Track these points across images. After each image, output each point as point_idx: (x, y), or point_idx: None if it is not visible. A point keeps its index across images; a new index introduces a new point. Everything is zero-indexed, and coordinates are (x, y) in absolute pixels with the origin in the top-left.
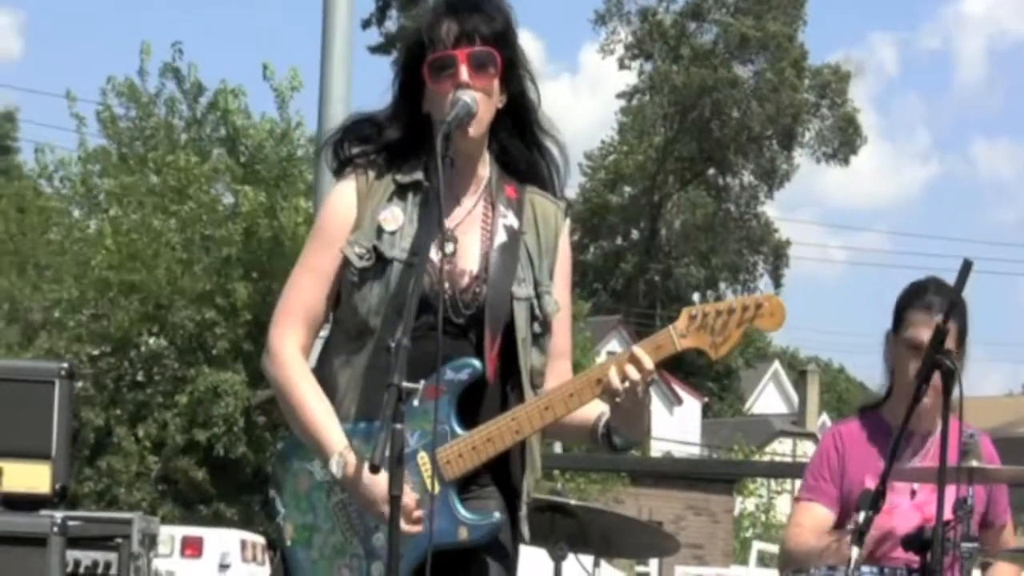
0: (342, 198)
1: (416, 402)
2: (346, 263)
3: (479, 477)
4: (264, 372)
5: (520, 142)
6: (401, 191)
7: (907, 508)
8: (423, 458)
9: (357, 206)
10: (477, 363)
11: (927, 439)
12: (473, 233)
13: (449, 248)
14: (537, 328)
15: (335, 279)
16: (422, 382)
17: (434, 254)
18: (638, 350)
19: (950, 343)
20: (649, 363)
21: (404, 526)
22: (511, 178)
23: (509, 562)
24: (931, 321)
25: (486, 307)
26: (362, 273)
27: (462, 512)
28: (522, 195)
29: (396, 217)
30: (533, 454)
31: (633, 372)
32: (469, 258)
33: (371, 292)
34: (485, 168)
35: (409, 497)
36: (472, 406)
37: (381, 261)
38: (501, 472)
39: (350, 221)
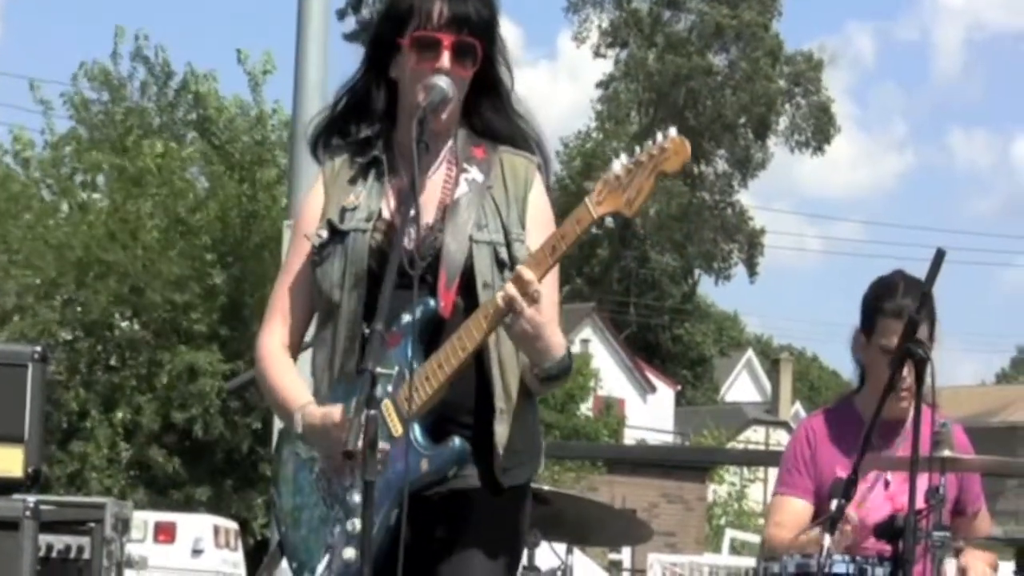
0: (312, 196)
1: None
2: (313, 251)
3: (458, 427)
4: (255, 375)
5: (500, 116)
6: (362, 170)
7: (879, 498)
8: (387, 405)
9: (324, 197)
10: (431, 300)
11: (899, 428)
12: (433, 192)
13: (402, 209)
14: (508, 274)
15: (309, 270)
16: (396, 367)
17: (388, 214)
18: (519, 267)
19: (921, 334)
20: (528, 275)
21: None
22: (485, 140)
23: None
24: (900, 325)
25: (442, 249)
26: (321, 251)
27: (422, 443)
28: (492, 155)
29: (357, 195)
30: (512, 399)
31: (508, 292)
32: (427, 214)
33: (332, 267)
34: (449, 136)
35: (337, 412)
36: (436, 349)
37: (338, 235)
38: (481, 421)
39: (318, 213)
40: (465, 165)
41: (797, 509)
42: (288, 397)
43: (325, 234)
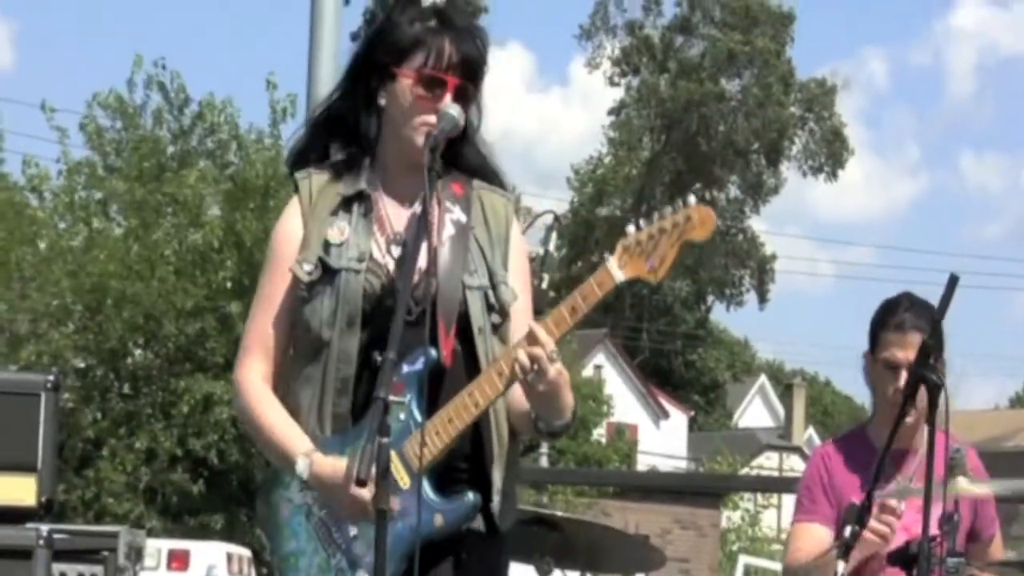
0: (287, 223)
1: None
2: (296, 282)
3: (455, 472)
4: (234, 410)
5: (470, 149)
6: (346, 203)
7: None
8: (393, 456)
9: (303, 226)
10: (432, 351)
11: (909, 456)
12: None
13: (397, 251)
14: (496, 319)
15: (290, 303)
16: (408, 395)
17: (381, 258)
18: (534, 325)
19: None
20: (543, 336)
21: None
22: (459, 175)
23: (491, 556)
24: (904, 340)
25: (437, 296)
26: (310, 287)
27: (434, 499)
28: (469, 191)
29: (342, 230)
30: (504, 445)
31: (533, 352)
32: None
33: (322, 305)
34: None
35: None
36: (436, 397)
37: (329, 273)
38: (476, 466)
39: (296, 243)
40: (448, 204)
41: (818, 536)
42: (285, 440)
43: (315, 271)
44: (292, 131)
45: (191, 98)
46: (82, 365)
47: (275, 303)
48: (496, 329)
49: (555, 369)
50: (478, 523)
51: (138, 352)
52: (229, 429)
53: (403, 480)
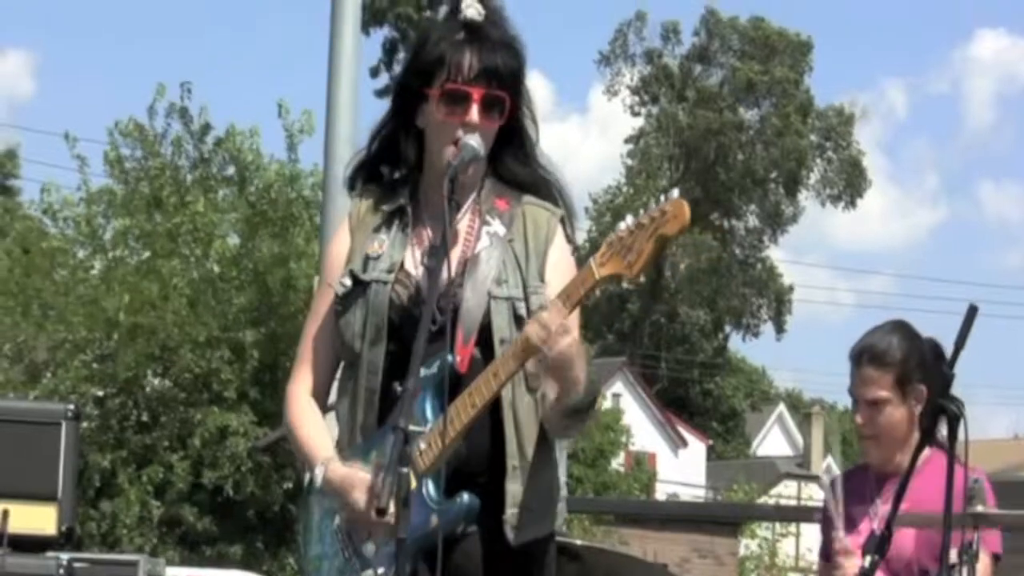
0: (337, 242)
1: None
2: (336, 297)
3: (472, 486)
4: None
5: (523, 166)
6: (388, 218)
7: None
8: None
9: (349, 243)
10: (448, 356)
11: (891, 480)
12: (455, 244)
13: (431, 263)
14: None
15: (333, 318)
16: (428, 426)
17: (413, 270)
18: (542, 314)
19: (883, 389)
20: (556, 310)
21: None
22: (509, 191)
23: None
24: (859, 376)
25: (461, 303)
26: (343, 300)
27: (434, 499)
28: (515, 207)
29: (381, 243)
30: (526, 458)
31: (544, 323)
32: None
33: (354, 317)
34: (475, 188)
35: (357, 476)
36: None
37: (360, 285)
38: (494, 479)
39: (343, 260)
40: (488, 217)
41: None
42: (311, 448)
43: (349, 283)
44: (309, 148)
45: (212, 126)
46: (100, 394)
47: (320, 318)
48: None
49: (568, 340)
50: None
51: (156, 381)
52: (245, 461)
53: (411, 482)
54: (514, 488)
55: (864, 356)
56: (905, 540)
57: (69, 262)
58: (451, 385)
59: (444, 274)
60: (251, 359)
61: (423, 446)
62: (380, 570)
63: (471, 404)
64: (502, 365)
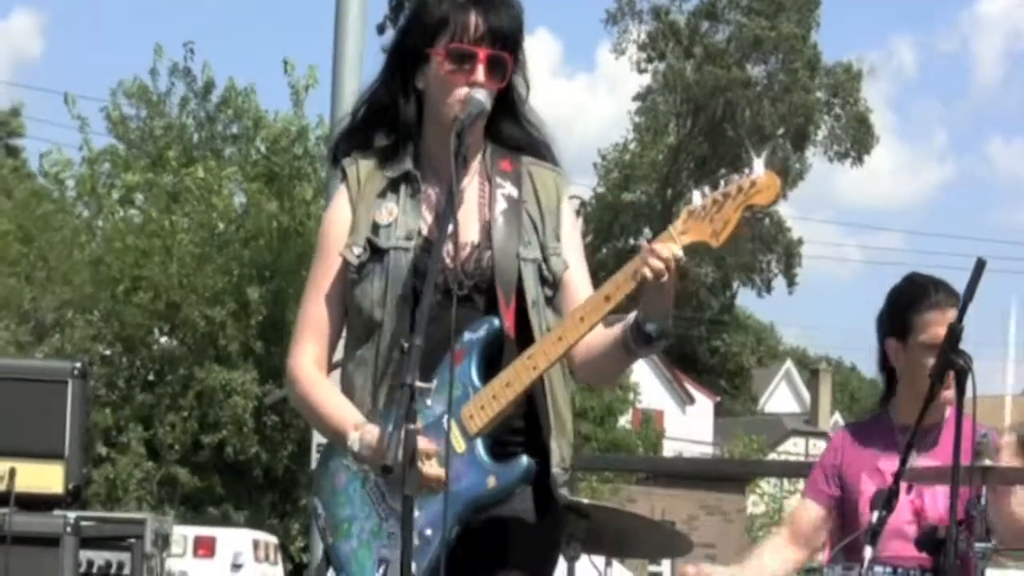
0: (336, 209)
1: (444, 374)
2: (346, 265)
3: (511, 446)
4: (289, 399)
5: (516, 125)
6: (393, 185)
7: (903, 502)
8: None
9: (352, 211)
10: (495, 320)
11: (932, 435)
12: (471, 208)
13: (444, 224)
14: (548, 291)
15: (340, 287)
16: (435, 381)
17: (427, 232)
18: (657, 245)
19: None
20: (673, 249)
21: (427, 469)
22: (507, 151)
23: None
24: (944, 318)
25: (495, 268)
26: (360, 269)
27: (487, 461)
28: (518, 167)
29: (391, 211)
30: (561, 417)
31: (659, 259)
32: (468, 231)
33: (372, 286)
34: (479, 149)
35: (424, 442)
36: (496, 367)
37: (378, 253)
38: (532, 437)
39: (346, 228)
40: (498, 179)
41: (810, 513)
42: (341, 417)
43: (364, 253)
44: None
45: (215, 84)
46: (107, 352)
47: (323, 288)
48: (549, 301)
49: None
50: (527, 498)
51: (163, 339)
52: (248, 420)
53: (458, 444)
54: (555, 447)
55: (944, 297)
56: (939, 497)
57: (73, 223)
58: (496, 349)
59: (456, 234)
60: (256, 314)
61: (473, 408)
62: (427, 531)
63: (532, 367)
64: (570, 328)
